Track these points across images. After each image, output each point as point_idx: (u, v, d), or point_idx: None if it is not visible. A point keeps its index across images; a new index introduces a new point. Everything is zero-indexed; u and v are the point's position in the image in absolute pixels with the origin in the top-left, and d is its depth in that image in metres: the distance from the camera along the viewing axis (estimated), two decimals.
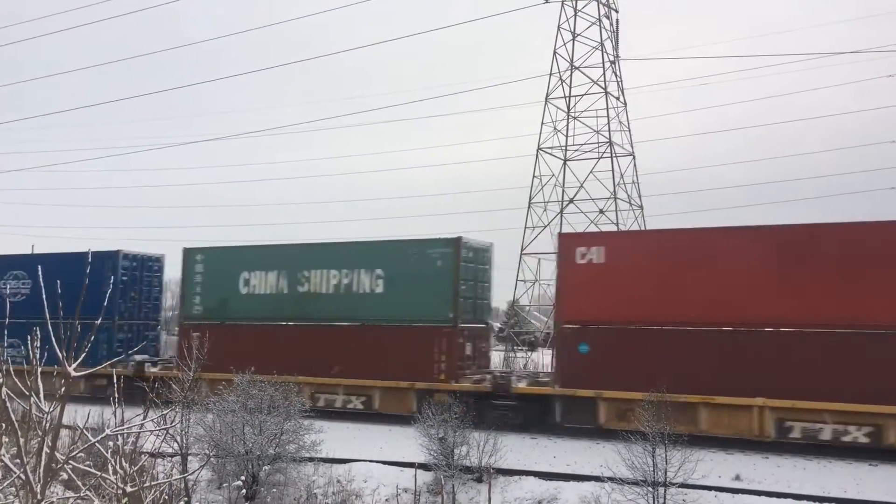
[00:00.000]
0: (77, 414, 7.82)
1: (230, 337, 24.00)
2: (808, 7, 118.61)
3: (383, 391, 22.69)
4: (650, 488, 13.08)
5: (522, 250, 37.94)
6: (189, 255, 26.53)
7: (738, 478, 15.81)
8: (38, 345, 5.16)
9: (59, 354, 4.77)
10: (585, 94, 38.14)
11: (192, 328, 25.00)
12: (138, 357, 27.23)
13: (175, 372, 23.37)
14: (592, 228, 35.62)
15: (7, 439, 5.80)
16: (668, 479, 13.01)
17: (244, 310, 25.09)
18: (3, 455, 5.27)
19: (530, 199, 38.68)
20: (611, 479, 13.67)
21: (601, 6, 38.79)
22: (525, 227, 38.14)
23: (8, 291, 28.85)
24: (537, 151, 38.83)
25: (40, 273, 27.49)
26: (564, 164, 38.24)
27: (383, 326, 22.81)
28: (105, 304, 26.16)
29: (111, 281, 26.68)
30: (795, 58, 68.27)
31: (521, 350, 38.33)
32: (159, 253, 29.70)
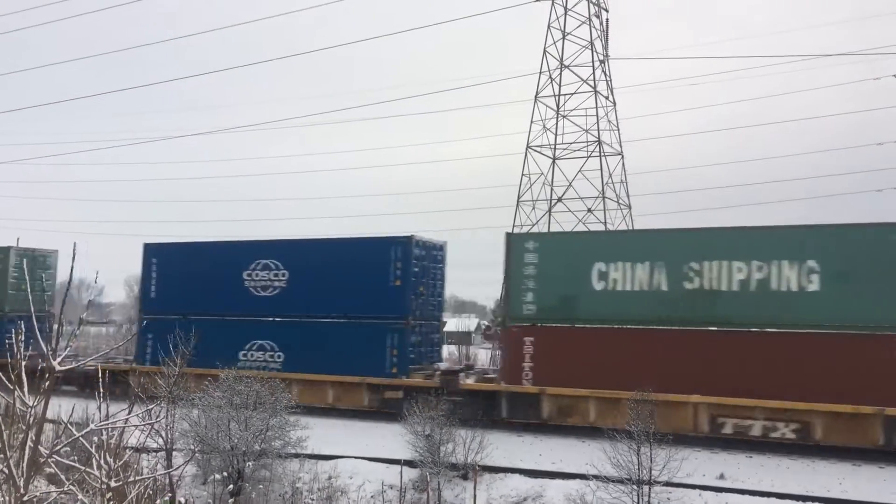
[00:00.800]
0: (61, 408, 7.79)
1: (580, 343, 20.75)
2: (799, 8, 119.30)
3: (829, 417, 17.99)
4: (635, 486, 13.15)
5: None
6: (516, 241, 21.78)
7: (722, 477, 15.89)
8: (22, 338, 5.11)
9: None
10: (575, 93, 38.26)
11: (522, 331, 21.15)
12: (442, 365, 23.51)
13: (501, 385, 20.91)
14: (581, 227, 35.75)
15: None
16: (652, 478, 13.08)
17: (600, 310, 20.55)
18: None
19: (518, 198, 38.75)
20: (596, 476, 13.72)
21: (591, 5, 38.92)
22: (513, 226, 38.20)
23: (258, 284, 24.65)
24: (526, 149, 38.90)
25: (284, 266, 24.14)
26: (553, 162, 38.34)
27: (820, 334, 18.33)
28: (400, 300, 22.90)
29: (399, 272, 22.93)
30: (785, 59, 68.89)
31: None
32: (441, 240, 25.32)
